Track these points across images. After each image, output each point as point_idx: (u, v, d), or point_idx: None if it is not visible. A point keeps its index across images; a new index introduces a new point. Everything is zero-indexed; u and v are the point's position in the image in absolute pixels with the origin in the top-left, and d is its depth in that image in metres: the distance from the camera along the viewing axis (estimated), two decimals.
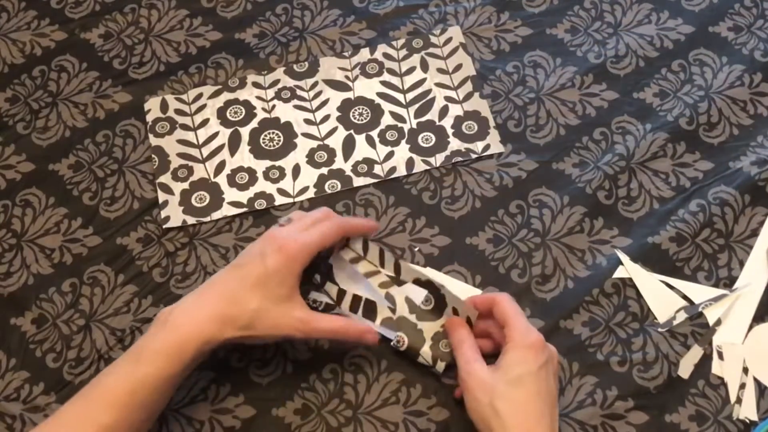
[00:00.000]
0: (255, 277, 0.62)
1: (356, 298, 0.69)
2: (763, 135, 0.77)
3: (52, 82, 0.83)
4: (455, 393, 0.66)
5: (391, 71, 0.83)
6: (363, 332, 0.65)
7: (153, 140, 0.80)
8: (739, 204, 0.74)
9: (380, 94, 0.81)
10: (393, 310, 0.69)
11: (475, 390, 0.61)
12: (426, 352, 0.67)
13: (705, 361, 0.68)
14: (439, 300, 0.69)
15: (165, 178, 0.78)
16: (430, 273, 0.72)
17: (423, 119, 0.80)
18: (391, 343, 0.68)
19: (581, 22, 0.84)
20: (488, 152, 0.78)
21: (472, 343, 0.65)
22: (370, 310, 0.68)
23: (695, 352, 0.68)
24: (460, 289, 0.71)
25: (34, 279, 0.74)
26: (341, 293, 0.68)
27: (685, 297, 0.71)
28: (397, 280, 0.70)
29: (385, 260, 0.70)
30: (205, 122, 0.81)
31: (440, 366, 0.67)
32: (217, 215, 0.76)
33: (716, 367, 0.68)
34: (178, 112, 0.81)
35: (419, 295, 0.69)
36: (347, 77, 0.82)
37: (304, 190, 0.77)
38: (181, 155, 0.79)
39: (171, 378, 0.60)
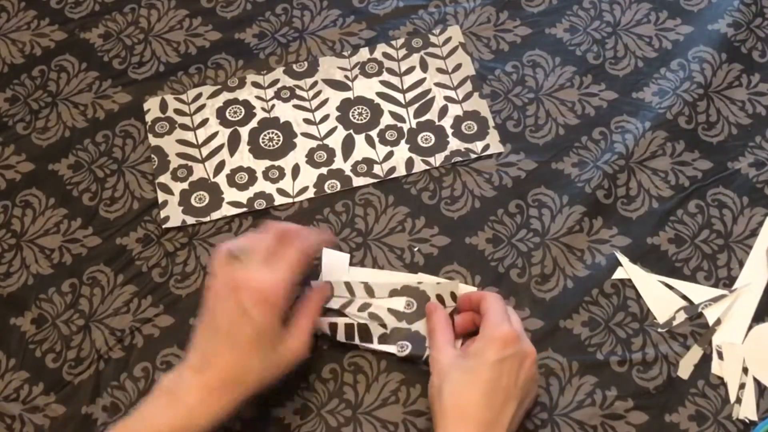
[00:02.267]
0: (248, 338, 0.59)
1: (348, 327, 0.69)
2: (762, 135, 0.77)
3: (51, 82, 0.83)
4: None
5: (390, 71, 0.83)
6: (321, 291, 0.67)
7: (152, 140, 0.80)
8: (737, 206, 0.74)
9: (380, 94, 0.81)
10: (384, 326, 0.69)
11: (433, 374, 0.62)
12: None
13: (705, 361, 0.68)
14: (420, 298, 0.70)
15: (164, 178, 0.78)
16: (402, 277, 0.72)
17: (422, 119, 0.80)
18: (396, 353, 0.68)
19: (580, 21, 0.84)
20: (488, 152, 0.78)
21: (445, 328, 0.66)
22: (365, 333, 0.69)
23: (695, 353, 0.68)
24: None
25: (33, 279, 0.74)
26: (333, 326, 0.69)
27: (684, 297, 0.71)
28: (373, 300, 0.71)
29: (354, 289, 0.71)
30: (204, 122, 0.81)
31: None
32: (216, 215, 0.76)
33: (716, 367, 0.68)
34: (178, 112, 0.81)
35: (399, 303, 0.70)
36: (347, 77, 0.82)
37: (304, 190, 0.77)
38: (180, 155, 0.79)
39: None
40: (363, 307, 0.70)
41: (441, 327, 0.66)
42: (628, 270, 0.71)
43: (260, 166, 0.78)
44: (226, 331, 0.60)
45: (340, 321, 0.69)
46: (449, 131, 0.79)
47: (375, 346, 0.69)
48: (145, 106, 0.82)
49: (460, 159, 0.78)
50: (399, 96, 0.81)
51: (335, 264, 0.73)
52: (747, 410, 0.66)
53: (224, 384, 0.59)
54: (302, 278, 0.64)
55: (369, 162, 0.78)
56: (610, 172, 0.76)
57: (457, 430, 0.58)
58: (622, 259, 0.72)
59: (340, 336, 0.69)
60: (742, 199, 0.74)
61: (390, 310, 0.70)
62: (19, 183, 0.79)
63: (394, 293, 0.71)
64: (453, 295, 0.70)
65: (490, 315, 0.63)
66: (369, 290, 0.71)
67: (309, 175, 0.78)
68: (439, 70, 0.82)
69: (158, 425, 0.58)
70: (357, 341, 0.69)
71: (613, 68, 0.81)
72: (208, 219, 0.76)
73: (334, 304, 0.71)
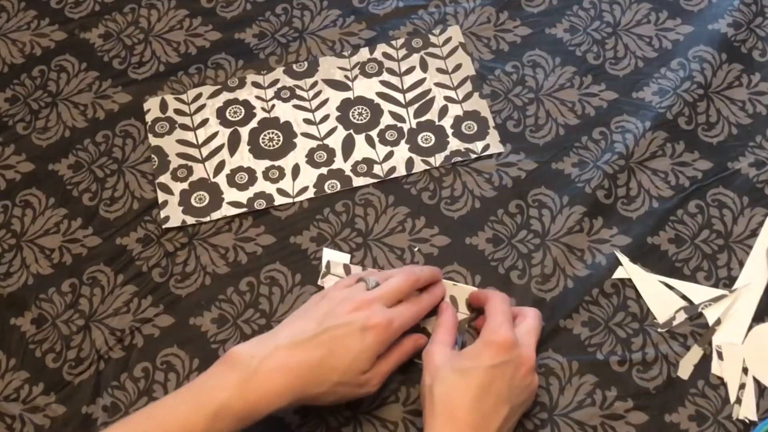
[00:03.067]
0: (350, 352, 0.60)
1: None
2: (762, 135, 0.77)
3: (51, 82, 0.83)
4: None
5: (390, 71, 0.83)
6: (414, 346, 0.66)
7: (152, 140, 0.80)
8: (737, 206, 0.74)
9: (380, 94, 0.81)
10: None
11: (425, 371, 0.62)
12: None
13: (705, 362, 0.68)
14: None
15: (164, 178, 0.78)
16: None
17: (422, 119, 0.80)
18: None
19: (580, 21, 0.84)
20: (488, 152, 0.78)
21: (449, 328, 0.66)
22: None
23: (695, 353, 0.68)
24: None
25: (33, 279, 0.74)
26: None
27: (684, 297, 0.71)
28: None
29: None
30: (204, 122, 0.81)
31: None
32: (216, 215, 0.76)
33: (716, 367, 0.68)
34: (178, 112, 0.81)
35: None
36: (347, 77, 0.82)
37: (304, 190, 0.77)
38: (180, 155, 0.79)
39: None
40: None
41: (446, 326, 0.66)
42: (628, 269, 0.71)
43: (260, 166, 0.78)
44: (334, 335, 0.60)
45: None
46: (449, 131, 0.79)
47: None
48: (145, 106, 0.82)
49: (460, 159, 0.78)
50: (399, 96, 0.81)
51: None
52: (747, 410, 0.66)
53: (300, 382, 0.58)
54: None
55: (369, 162, 0.78)
56: (610, 172, 0.76)
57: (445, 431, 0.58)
58: (623, 258, 0.72)
59: None
60: (742, 199, 0.74)
61: None
62: (19, 183, 0.79)
63: None
64: (452, 299, 0.70)
65: (492, 318, 0.63)
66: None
67: (309, 175, 0.78)
68: (439, 70, 0.82)
69: (233, 412, 0.57)
70: None
71: (613, 68, 0.81)
72: (208, 219, 0.76)
73: None
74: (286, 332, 0.61)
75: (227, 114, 0.81)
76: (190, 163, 0.79)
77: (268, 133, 0.80)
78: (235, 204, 0.76)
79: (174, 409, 0.57)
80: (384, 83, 0.82)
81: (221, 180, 0.78)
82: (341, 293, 0.64)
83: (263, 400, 0.57)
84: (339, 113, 0.81)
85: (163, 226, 0.76)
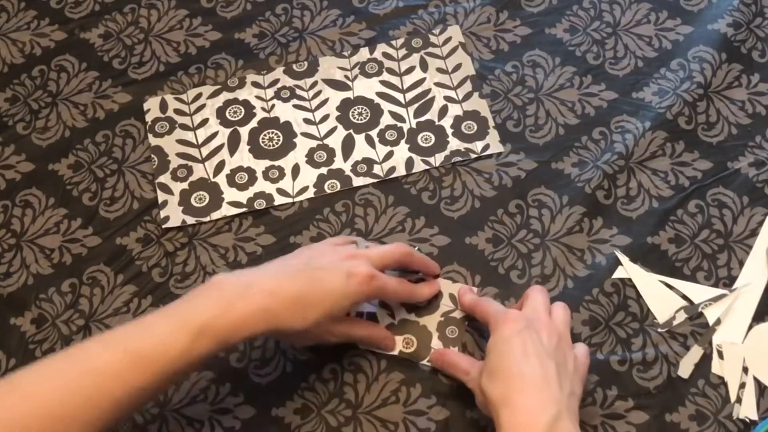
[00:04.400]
0: (332, 292, 0.61)
1: (358, 315, 0.70)
2: (762, 135, 0.77)
3: (51, 82, 0.83)
4: None
5: (390, 71, 0.83)
6: (384, 338, 0.68)
7: (152, 140, 0.80)
8: (737, 205, 0.74)
9: (380, 94, 0.81)
10: (392, 316, 0.69)
11: (475, 391, 0.62)
12: (437, 343, 0.68)
13: (705, 361, 0.68)
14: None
15: (164, 178, 0.78)
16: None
17: (422, 119, 0.80)
18: (398, 351, 0.69)
19: (580, 21, 0.84)
20: (487, 152, 0.78)
21: (459, 357, 0.66)
22: (372, 319, 0.70)
23: (695, 352, 0.68)
24: None
25: (33, 279, 0.74)
26: None
27: (684, 297, 0.71)
28: None
29: None
30: (204, 122, 0.81)
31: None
32: (216, 215, 0.76)
33: (716, 367, 0.68)
34: (178, 111, 0.81)
35: None
36: (347, 77, 0.82)
37: (304, 189, 0.77)
38: (180, 155, 0.79)
39: (213, 358, 0.58)
40: None
41: (456, 360, 0.66)
42: (628, 269, 0.71)
43: (260, 166, 0.78)
44: (318, 271, 0.62)
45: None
46: (449, 131, 0.79)
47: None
48: (145, 106, 0.82)
49: (460, 159, 0.78)
50: (399, 96, 0.81)
51: None
52: (747, 410, 0.66)
53: (281, 312, 0.59)
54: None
55: (369, 162, 0.78)
56: (610, 172, 0.76)
57: (510, 410, 0.57)
58: (623, 258, 0.72)
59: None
60: (742, 199, 0.74)
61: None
62: (19, 183, 0.79)
63: None
64: (452, 297, 0.70)
65: (490, 313, 0.64)
66: None
67: (309, 175, 0.78)
68: (439, 70, 0.82)
69: (214, 332, 0.56)
70: None
71: (613, 68, 0.82)
72: (208, 219, 0.76)
73: None
74: (270, 266, 0.63)
75: (227, 114, 0.81)
76: (190, 163, 0.79)
77: (268, 133, 0.80)
78: (235, 204, 0.76)
79: (155, 328, 0.56)
80: (384, 83, 0.82)
81: (221, 180, 0.78)
82: (330, 244, 0.66)
83: (244, 321, 0.57)
84: (339, 113, 0.81)
85: (163, 226, 0.76)
